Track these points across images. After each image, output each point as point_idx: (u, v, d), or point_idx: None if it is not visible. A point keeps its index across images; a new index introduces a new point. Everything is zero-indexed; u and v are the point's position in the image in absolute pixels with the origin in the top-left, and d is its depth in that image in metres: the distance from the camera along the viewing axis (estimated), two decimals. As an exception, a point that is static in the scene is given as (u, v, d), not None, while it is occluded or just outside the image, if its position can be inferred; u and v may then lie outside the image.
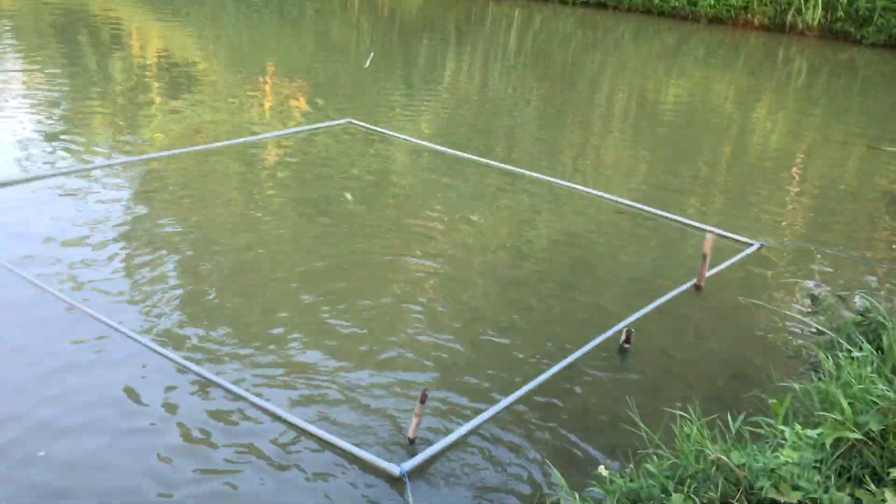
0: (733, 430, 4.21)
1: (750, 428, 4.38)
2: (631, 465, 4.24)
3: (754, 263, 8.43)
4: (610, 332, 6.71)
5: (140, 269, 7.14)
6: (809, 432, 3.88)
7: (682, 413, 4.23)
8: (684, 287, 7.68)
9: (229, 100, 13.14)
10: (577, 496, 4.00)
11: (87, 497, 4.55)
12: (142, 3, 21.75)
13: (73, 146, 10.17)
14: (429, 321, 6.76)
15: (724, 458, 3.89)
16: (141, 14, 20.19)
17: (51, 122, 11.04)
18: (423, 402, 5.18)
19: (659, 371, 6.30)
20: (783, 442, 3.94)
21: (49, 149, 9.98)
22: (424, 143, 11.49)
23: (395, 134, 11.74)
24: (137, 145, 10.50)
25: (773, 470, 3.81)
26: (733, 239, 8.97)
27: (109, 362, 5.78)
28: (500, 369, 6.13)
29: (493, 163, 10.81)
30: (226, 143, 10.76)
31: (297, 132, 11.62)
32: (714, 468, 3.92)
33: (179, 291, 6.80)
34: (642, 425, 4.36)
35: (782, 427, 3.95)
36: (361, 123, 12.05)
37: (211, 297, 6.75)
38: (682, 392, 5.97)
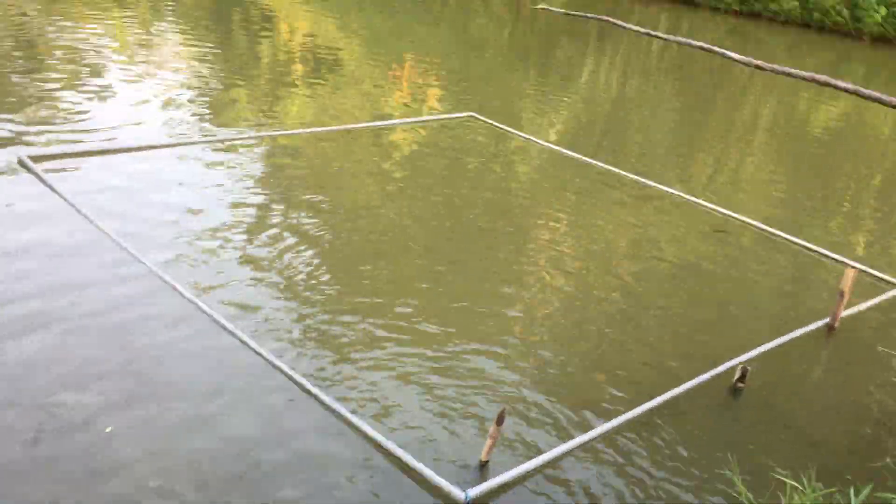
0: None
1: (876, 506, 3.67)
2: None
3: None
4: (723, 368, 5.99)
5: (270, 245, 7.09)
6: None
7: (792, 483, 3.54)
8: (815, 325, 6.84)
9: (365, 85, 13.01)
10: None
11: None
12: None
13: (216, 118, 10.35)
14: (529, 333, 6.25)
15: (839, 543, 3.23)
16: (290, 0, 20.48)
17: (199, 94, 11.20)
18: (499, 423, 4.68)
19: (774, 421, 5.54)
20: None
21: (195, 118, 10.18)
22: (546, 143, 10.93)
23: (516, 132, 11.23)
24: (277, 122, 10.55)
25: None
26: (877, 277, 8.01)
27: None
28: (593, 396, 5.54)
29: (621, 172, 10.12)
30: (347, 126, 10.55)
31: (418, 122, 11.30)
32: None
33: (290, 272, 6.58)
34: (742, 489, 3.71)
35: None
36: (483, 118, 11.60)
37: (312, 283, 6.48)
38: (797, 450, 5.18)
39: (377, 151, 10.05)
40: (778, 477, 4.04)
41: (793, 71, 12.46)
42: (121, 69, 11.64)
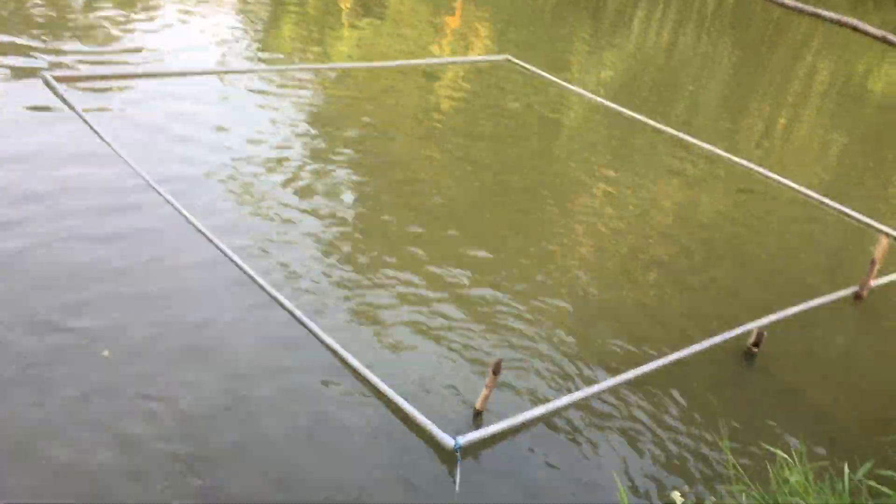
0: (847, 482, 3.34)
1: (872, 483, 3.50)
2: (712, 499, 3.48)
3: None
4: (739, 331, 5.80)
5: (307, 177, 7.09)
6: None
7: (782, 455, 3.39)
8: (842, 293, 6.59)
9: (411, 27, 12.74)
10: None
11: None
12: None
13: (265, 50, 10.31)
14: (548, 282, 6.13)
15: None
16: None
17: (248, 26, 11.11)
18: (496, 373, 4.58)
19: (785, 388, 5.37)
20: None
21: (242, 48, 10.20)
22: (586, 93, 10.62)
23: (552, 77, 10.90)
24: (322, 56, 10.50)
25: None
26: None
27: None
28: (605, 351, 5.41)
29: (665, 128, 9.78)
30: (380, 64, 10.36)
31: (453, 62, 11.07)
32: (810, 529, 3.13)
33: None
34: (730, 457, 3.57)
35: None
36: (519, 62, 11.30)
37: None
38: (805, 420, 5.03)
39: (414, 92, 9.88)
40: (769, 448, 3.88)
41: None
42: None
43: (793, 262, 7.18)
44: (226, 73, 9.16)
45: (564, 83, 10.79)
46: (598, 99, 10.44)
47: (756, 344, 5.60)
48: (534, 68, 11.13)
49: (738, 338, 5.74)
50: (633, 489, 3.89)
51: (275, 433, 4.30)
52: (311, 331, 5.06)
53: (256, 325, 5.10)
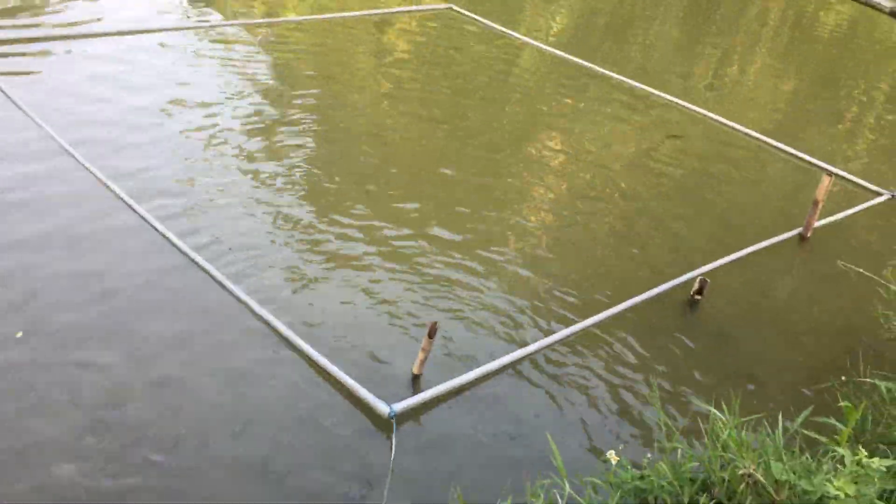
0: (780, 434, 3.25)
1: (809, 432, 3.43)
2: (649, 456, 3.39)
3: (879, 218, 7.14)
4: (682, 279, 5.72)
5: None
6: (878, 462, 2.93)
7: (710, 409, 3.29)
8: (787, 235, 6.53)
9: None
10: (568, 484, 3.20)
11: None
12: None
13: (206, 4, 9.97)
14: (493, 231, 6.04)
15: (757, 475, 3.01)
16: None
17: None
18: (431, 336, 4.44)
19: (724, 338, 5.28)
20: (843, 467, 3.01)
21: (183, 3, 9.89)
22: (531, 41, 10.38)
23: (497, 26, 10.65)
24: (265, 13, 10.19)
25: (819, 501, 2.92)
26: (858, 185, 7.64)
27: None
28: (547, 306, 5.29)
29: (615, 75, 9.58)
30: (319, 17, 10.03)
31: (394, 12, 10.75)
32: (743, 484, 3.05)
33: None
34: (661, 413, 3.48)
35: (842, 451, 3.01)
36: (463, 11, 11.01)
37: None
38: (741, 368, 4.96)
39: (356, 45, 9.58)
40: (699, 404, 3.79)
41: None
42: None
43: (742, 206, 7.09)
44: (142, 32, 8.75)
45: (508, 30, 10.54)
46: (544, 46, 10.23)
47: (699, 292, 5.52)
48: (477, 17, 10.85)
49: (684, 286, 5.65)
50: (569, 449, 3.80)
51: (198, 404, 4.14)
52: (232, 293, 4.90)
53: (174, 290, 4.91)
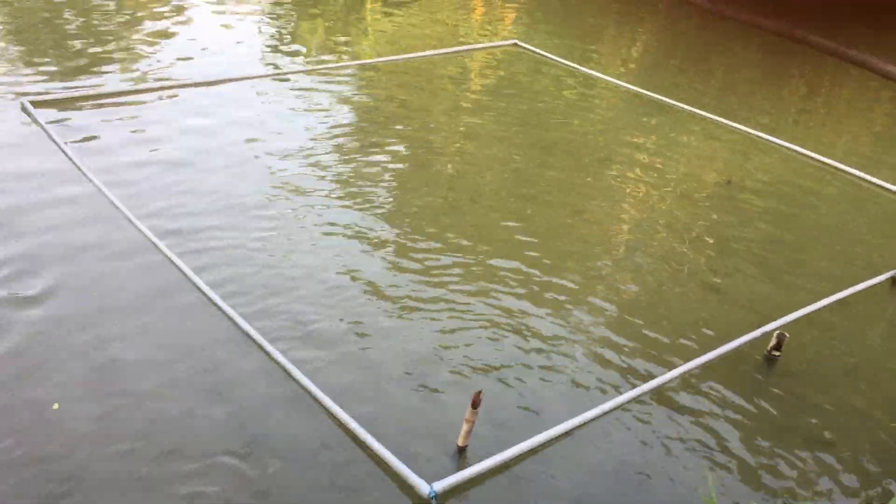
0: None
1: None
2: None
3: None
4: (757, 333, 5.24)
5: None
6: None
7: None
8: (878, 279, 5.95)
9: (436, 17, 12.22)
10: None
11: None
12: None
13: (292, 51, 10.00)
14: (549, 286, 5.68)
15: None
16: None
17: (272, 27, 10.80)
18: (475, 406, 4.12)
19: (804, 403, 4.73)
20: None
21: (267, 51, 9.91)
22: (608, 78, 9.98)
23: (563, 61, 10.29)
24: (351, 53, 10.22)
25: None
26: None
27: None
28: (612, 367, 4.91)
29: (686, 107, 9.16)
30: (393, 58, 9.87)
31: (463, 51, 10.54)
32: None
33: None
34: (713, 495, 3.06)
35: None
36: (527, 46, 10.71)
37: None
38: (826, 441, 4.45)
39: (429, 82, 9.45)
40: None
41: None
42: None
43: (830, 245, 6.54)
44: (255, 77, 8.86)
45: (577, 66, 10.19)
46: (611, 79, 9.86)
47: (777, 347, 5.03)
48: (540, 51, 10.55)
49: (759, 342, 5.17)
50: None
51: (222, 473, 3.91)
52: (276, 363, 4.68)
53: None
